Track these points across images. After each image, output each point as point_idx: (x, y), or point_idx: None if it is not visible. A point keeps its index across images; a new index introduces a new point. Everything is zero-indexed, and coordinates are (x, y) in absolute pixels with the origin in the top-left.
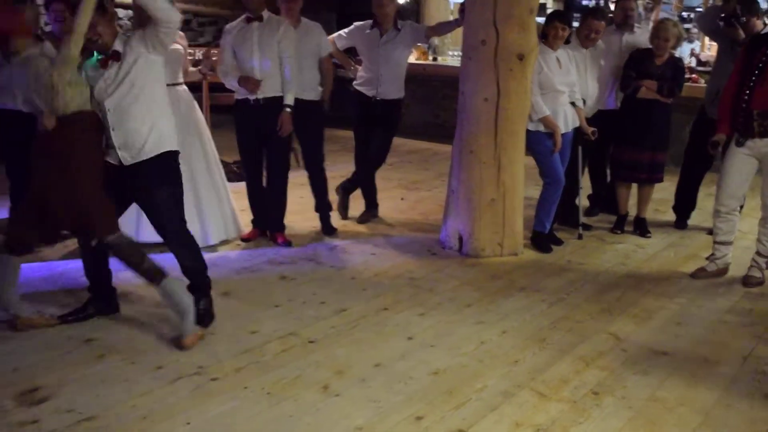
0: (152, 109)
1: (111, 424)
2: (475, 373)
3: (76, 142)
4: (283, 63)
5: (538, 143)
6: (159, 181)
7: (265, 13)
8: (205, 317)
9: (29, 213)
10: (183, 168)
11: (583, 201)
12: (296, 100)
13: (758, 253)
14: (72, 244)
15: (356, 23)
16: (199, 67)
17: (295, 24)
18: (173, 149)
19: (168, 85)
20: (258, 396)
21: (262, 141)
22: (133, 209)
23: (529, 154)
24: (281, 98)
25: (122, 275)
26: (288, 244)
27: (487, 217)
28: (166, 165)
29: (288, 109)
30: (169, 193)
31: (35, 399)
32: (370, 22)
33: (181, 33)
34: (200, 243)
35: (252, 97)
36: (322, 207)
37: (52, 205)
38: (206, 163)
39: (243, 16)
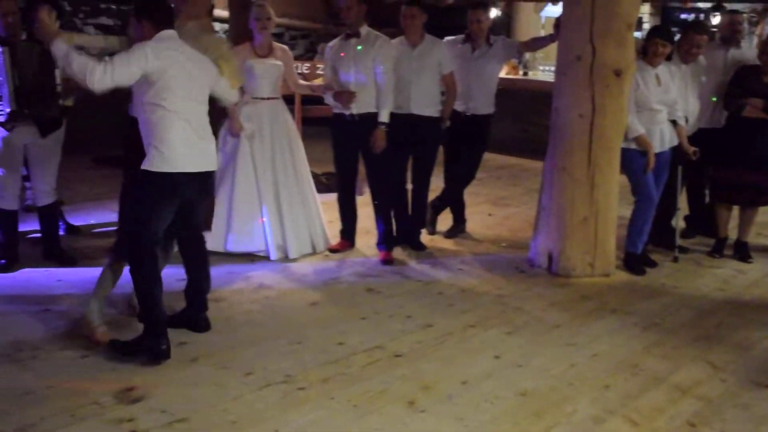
0: (145, 131)
1: (202, 427)
2: (565, 396)
3: None
4: (378, 78)
5: (631, 161)
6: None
7: (363, 29)
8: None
9: None
10: (269, 180)
11: (679, 222)
12: (414, 115)
13: None
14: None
15: (447, 38)
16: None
17: (417, 40)
18: (155, 170)
19: (265, 98)
20: (344, 407)
21: (358, 155)
22: (223, 219)
23: (623, 172)
24: (377, 114)
25: (215, 282)
26: (387, 262)
27: (578, 236)
28: (145, 181)
29: (382, 126)
30: (135, 199)
31: (131, 398)
32: (461, 36)
33: (284, 47)
34: (282, 254)
35: (347, 113)
36: (417, 222)
37: None
38: (296, 176)
39: (343, 33)
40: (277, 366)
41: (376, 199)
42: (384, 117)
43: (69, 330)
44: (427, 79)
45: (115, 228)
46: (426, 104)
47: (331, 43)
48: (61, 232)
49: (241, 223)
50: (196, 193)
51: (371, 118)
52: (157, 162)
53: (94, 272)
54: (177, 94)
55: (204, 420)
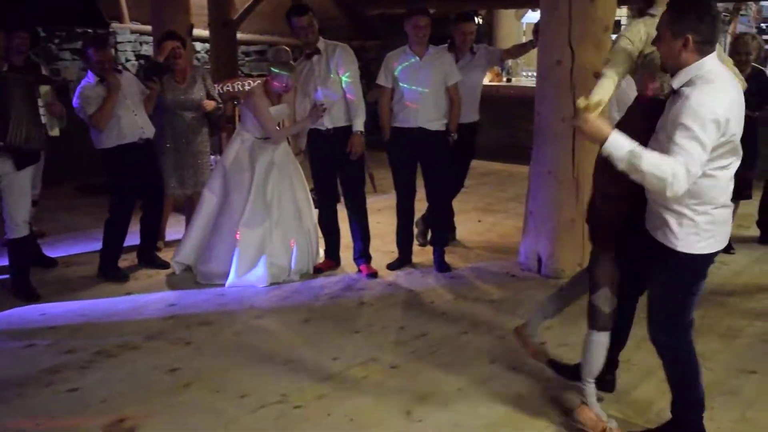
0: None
1: None
2: (561, 396)
3: None
4: (345, 87)
5: None
6: None
7: (321, 44)
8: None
9: None
10: (274, 205)
11: None
12: (422, 129)
13: None
14: (155, 274)
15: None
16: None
17: (424, 51)
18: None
19: None
20: (341, 423)
21: (336, 169)
22: (228, 249)
23: None
24: (350, 127)
25: (202, 306)
26: (373, 275)
27: (566, 238)
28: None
29: (358, 133)
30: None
31: (123, 429)
32: (444, 46)
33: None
34: (286, 275)
35: (323, 127)
36: (438, 241)
37: None
38: (295, 198)
39: (303, 54)
40: (272, 386)
41: (350, 212)
42: (359, 126)
43: (55, 364)
44: (435, 91)
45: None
46: (434, 117)
47: (297, 67)
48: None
49: (249, 256)
50: None
51: (346, 131)
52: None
53: (77, 304)
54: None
55: None
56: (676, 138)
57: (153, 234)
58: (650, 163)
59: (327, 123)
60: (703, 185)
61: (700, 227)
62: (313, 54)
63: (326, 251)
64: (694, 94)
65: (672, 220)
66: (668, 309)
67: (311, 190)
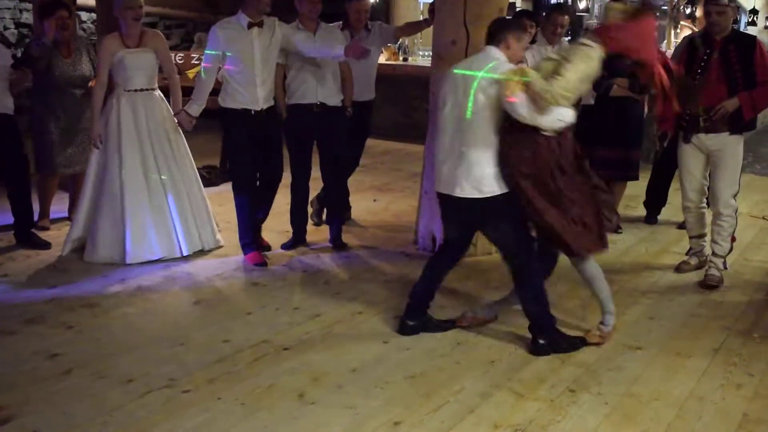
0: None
1: None
2: (452, 375)
3: None
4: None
5: None
6: None
7: (267, 19)
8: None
9: None
10: (156, 178)
11: None
12: (322, 105)
13: (714, 253)
14: (35, 255)
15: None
16: None
17: (316, 27)
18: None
19: (139, 90)
20: (232, 407)
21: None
22: (119, 227)
23: None
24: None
25: (86, 288)
26: (262, 264)
27: None
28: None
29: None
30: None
31: None
32: (339, 23)
33: (156, 31)
34: (176, 253)
35: (257, 108)
36: (334, 220)
37: None
38: (179, 171)
39: (239, 22)
40: (158, 370)
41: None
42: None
43: None
44: (331, 67)
45: None
46: (333, 93)
47: (222, 32)
48: None
49: (139, 229)
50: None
51: (273, 110)
52: None
53: None
54: None
55: None
56: None
57: (24, 213)
58: None
59: (262, 103)
60: None
61: None
62: (255, 25)
63: (259, 240)
64: None
65: None
66: None
67: (203, 167)
